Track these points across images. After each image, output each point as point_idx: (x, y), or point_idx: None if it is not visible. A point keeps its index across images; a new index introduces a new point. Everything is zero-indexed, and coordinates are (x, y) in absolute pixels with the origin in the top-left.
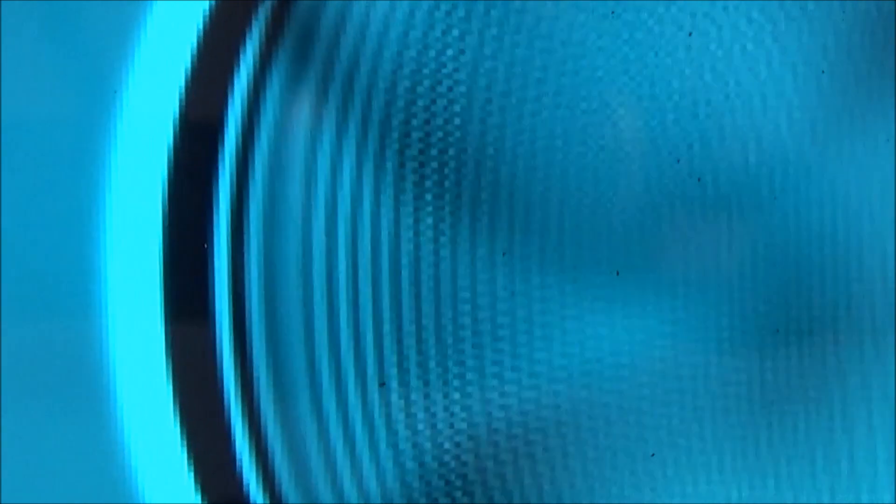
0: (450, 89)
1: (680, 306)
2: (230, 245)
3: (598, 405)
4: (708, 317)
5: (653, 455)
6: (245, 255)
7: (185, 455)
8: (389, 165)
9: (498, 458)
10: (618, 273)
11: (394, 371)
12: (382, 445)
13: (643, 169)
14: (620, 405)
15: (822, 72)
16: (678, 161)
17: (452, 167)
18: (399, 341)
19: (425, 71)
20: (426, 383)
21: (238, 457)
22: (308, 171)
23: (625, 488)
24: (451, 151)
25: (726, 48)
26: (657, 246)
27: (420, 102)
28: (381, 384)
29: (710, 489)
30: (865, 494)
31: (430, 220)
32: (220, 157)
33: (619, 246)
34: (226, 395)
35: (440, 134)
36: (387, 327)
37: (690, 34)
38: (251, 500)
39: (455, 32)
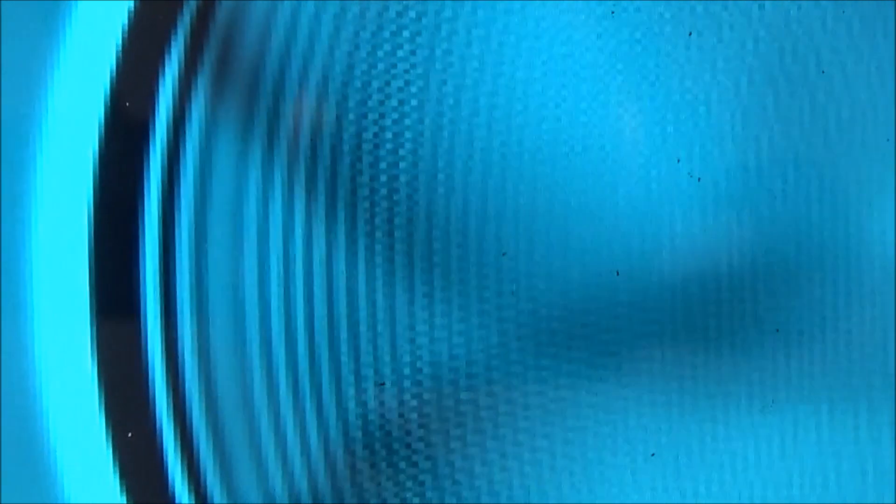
0: (397, 100)
1: (679, 306)
2: (160, 243)
3: (592, 405)
4: (707, 316)
5: (653, 455)
6: (175, 253)
7: (111, 455)
8: (320, 171)
9: (430, 442)
10: (618, 273)
11: (327, 366)
12: (313, 443)
13: (643, 169)
14: (617, 404)
15: (822, 71)
16: (678, 161)
17: (393, 179)
18: (332, 337)
19: (364, 78)
20: (361, 380)
21: (165, 456)
22: (238, 169)
23: (622, 488)
24: (403, 166)
25: (726, 48)
26: (657, 246)
27: (359, 111)
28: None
29: (710, 490)
30: (869, 494)
31: (365, 228)
32: (148, 155)
33: (618, 246)
34: (153, 394)
35: (389, 146)
36: (319, 325)
37: (690, 34)
38: (177, 501)
39: (404, 35)
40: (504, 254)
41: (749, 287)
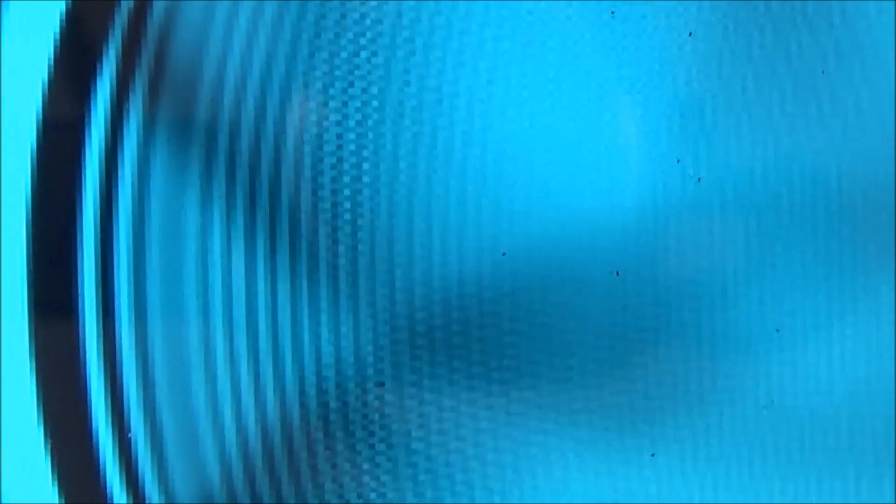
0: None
1: (679, 306)
2: (98, 243)
3: (590, 405)
4: (707, 317)
5: (653, 455)
6: (113, 253)
7: (47, 455)
8: (261, 174)
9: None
10: (617, 273)
11: (269, 368)
12: (252, 443)
13: (643, 169)
14: (616, 404)
15: (822, 72)
16: (678, 161)
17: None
18: (275, 339)
19: (312, 78)
20: (302, 386)
21: (101, 458)
22: (177, 169)
23: (622, 489)
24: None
25: (726, 48)
26: (657, 246)
27: (305, 113)
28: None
29: (710, 490)
30: (868, 495)
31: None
32: (85, 155)
33: (618, 246)
34: (91, 396)
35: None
36: (262, 326)
37: (690, 34)
38: (113, 502)
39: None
40: (504, 254)
41: (749, 287)
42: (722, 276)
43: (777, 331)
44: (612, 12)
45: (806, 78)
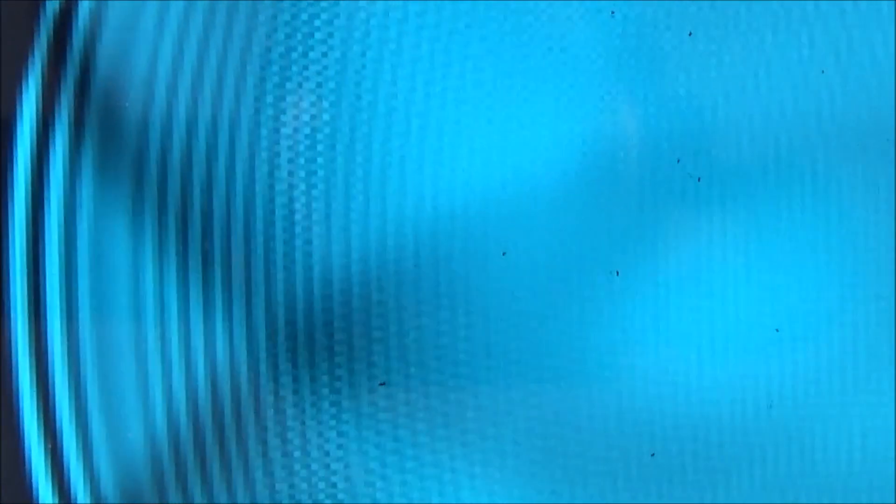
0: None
1: (679, 306)
2: (28, 242)
3: (589, 405)
4: (707, 316)
5: (653, 455)
6: (44, 252)
7: None
8: (193, 179)
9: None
10: (618, 273)
11: (202, 367)
12: (184, 443)
13: (643, 169)
14: (617, 405)
15: (822, 71)
16: (678, 161)
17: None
18: (208, 339)
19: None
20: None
21: (29, 457)
22: (107, 170)
23: (622, 489)
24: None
25: (726, 48)
26: (657, 246)
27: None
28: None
29: (710, 491)
30: (866, 494)
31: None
32: (15, 155)
33: (618, 246)
34: (19, 394)
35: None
36: (193, 325)
37: (690, 34)
38: (40, 501)
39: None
40: (504, 254)
41: (748, 287)
42: (721, 276)
43: (777, 331)
44: (612, 12)
45: (806, 78)
